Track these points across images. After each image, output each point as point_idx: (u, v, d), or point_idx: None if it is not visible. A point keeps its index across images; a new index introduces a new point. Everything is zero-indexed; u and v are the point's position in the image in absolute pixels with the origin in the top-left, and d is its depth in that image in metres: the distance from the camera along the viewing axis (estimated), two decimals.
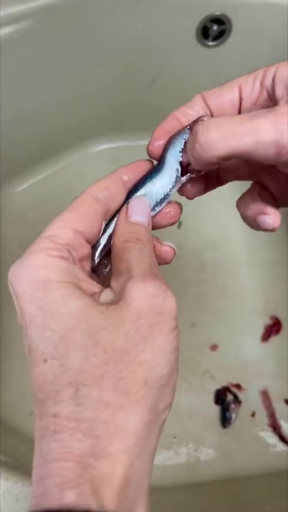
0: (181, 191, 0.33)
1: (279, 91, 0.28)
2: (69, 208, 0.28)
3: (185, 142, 0.30)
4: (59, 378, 0.23)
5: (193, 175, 0.31)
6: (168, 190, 0.31)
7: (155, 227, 0.32)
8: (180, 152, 0.30)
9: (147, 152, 0.32)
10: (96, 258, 0.30)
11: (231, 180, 0.34)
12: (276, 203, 0.32)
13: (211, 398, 0.73)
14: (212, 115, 0.31)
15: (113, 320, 0.24)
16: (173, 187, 0.31)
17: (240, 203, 0.32)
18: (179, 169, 0.31)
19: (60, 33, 0.65)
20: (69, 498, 0.21)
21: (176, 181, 0.31)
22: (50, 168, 0.87)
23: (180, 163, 0.31)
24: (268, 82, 0.29)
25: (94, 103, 0.80)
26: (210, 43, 0.68)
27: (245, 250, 0.83)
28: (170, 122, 0.31)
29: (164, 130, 0.31)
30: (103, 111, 0.82)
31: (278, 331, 0.78)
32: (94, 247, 0.30)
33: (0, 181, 0.82)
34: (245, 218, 0.32)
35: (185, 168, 0.31)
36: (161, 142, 0.31)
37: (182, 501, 0.64)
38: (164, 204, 0.31)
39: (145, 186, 0.31)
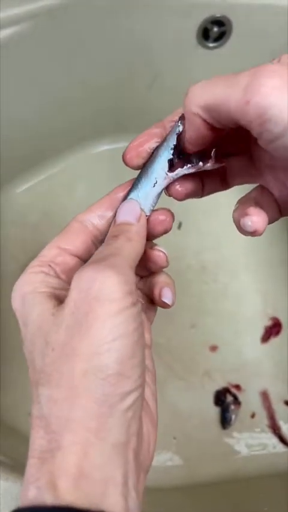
0: (168, 191, 0.32)
1: None
2: (59, 234, 0.31)
3: (172, 149, 0.30)
4: (32, 381, 0.25)
5: (183, 171, 0.30)
6: (156, 189, 0.31)
7: (150, 236, 0.32)
8: (172, 149, 0.30)
9: (124, 161, 0.32)
10: None
11: (237, 183, 0.33)
12: (279, 211, 0.31)
13: (211, 399, 0.73)
14: None
15: (58, 317, 0.25)
16: (159, 184, 0.31)
17: (236, 206, 0.32)
18: (167, 167, 0.30)
19: (61, 35, 0.65)
20: (31, 493, 0.22)
21: (164, 178, 0.31)
22: (51, 169, 0.87)
23: (170, 160, 0.30)
24: None
25: (94, 104, 0.80)
26: (211, 45, 0.68)
27: (245, 251, 0.83)
28: (154, 129, 0.31)
29: (139, 143, 0.31)
30: (103, 112, 0.82)
31: (277, 332, 0.78)
32: None
33: (0, 181, 0.82)
34: (234, 222, 0.31)
35: (177, 155, 0.30)
36: (134, 156, 0.31)
37: (182, 502, 0.64)
38: (155, 201, 0.31)
39: (133, 192, 0.31)
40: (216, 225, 0.84)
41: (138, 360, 0.24)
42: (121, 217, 0.30)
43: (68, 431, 0.23)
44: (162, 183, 0.31)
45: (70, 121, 0.81)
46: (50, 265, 0.29)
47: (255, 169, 0.32)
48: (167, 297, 0.32)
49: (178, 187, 0.31)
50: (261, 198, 0.31)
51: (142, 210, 0.30)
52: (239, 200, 0.32)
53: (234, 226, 0.31)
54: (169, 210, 0.32)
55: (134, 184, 0.31)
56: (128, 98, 0.80)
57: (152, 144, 0.31)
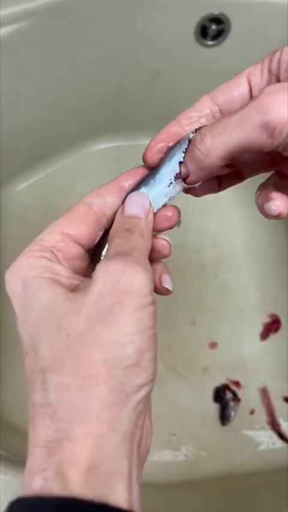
0: (189, 190, 0.32)
1: (284, 74, 0.29)
2: (62, 215, 0.30)
3: (183, 153, 0.30)
4: (34, 368, 0.24)
5: (187, 186, 0.31)
6: (162, 198, 0.31)
7: (153, 231, 0.32)
8: (180, 163, 0.30)
9: (143, 161, 0.32)
10: (94, 256, 0.31)
11: (252, 175, 0.34)
12: None
13: (210, 395, 0.74)
14: (221, 113, 0.31)
15: (76, 304, 0.25)
16: (166, 195, 0.31)
17: (256, 192, 0.32)
18: (174, 179, 0.31)
19: (60, 33, 0.65)
20: (37, 483, 0.22)
21: (171, 190, 0.31)
22: (50, 167, 0.87)
23: (177, 174, 0.30)
24: (275, 66, 0.29)
25: (94, 102, 0.80)
26: (209, 42, 0.69)
27: (245, 248, 0.83)
28: (171, 127, 0.31)
29: (160, 139, 0.31)
30: (103, 110, 0.82)
31: (277, 329, 0.78)
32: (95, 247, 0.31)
33: (0, 180, 0.82)
34: (258, 207, 0.32)
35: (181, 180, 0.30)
36: (155, 152, 0.31)
37: (181, 498, 0.64)
38: (164, 201, 0.31)
39: (143, 187, 0.31)
40: (216, 222, 0.84)
41: (153, 354, 0.25)
42: (131, 210, 0.30)
43: (80, 420, 0.23)
44: (174, 189, 0.31)
45: (69, 119, 0.81)
46: (52, 251, 0.28)
47: (270, 160, 0.32)
48: (167, 283, 0.32)
49: (197, 186, 0.32)
50: (281, 183, 0.31)
51: (151, 205, 0.31)
52: (260, 186, 0.32)
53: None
54: (176, 207, 0.32)
55: (145, 180, 0.31)
56: (127, 96, 0.80)
57: (171, 142, 0.31)
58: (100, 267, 0.25)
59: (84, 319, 0.24)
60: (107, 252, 0.27)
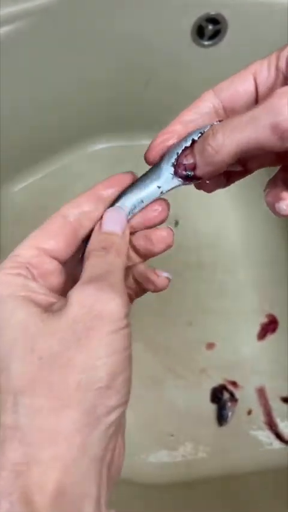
0: (199, 186, 0.32)
1: None
2: (38, 228, 0.29)
3: (182, 151, 0.30)
4: (6, 388, 0.24)
5: (186, 183, 0.31)
6: (154, 195, 0.31)
7: (144, 226, 0.31)
8: (175, 161, 0.30)
9: (145, 160, 0.32)
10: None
11: (258, 168, 0.33)
12: None
13: (208, 396, 0.73)
14: (224, 109, 0.31)
15: (50, 326, 0.24)
16: (161, 193, 0.31)
17: (265, 190, 0.32)
18: (171, 177, 0.31)
19: (57, 33, 0.65)
20: (2, 508, 0.21)
21: (168, 184, 0.31)
22: (48, 167, 0.87)
23: (174, 172, 0.30)
24: (283, 64, 0.29)
25: (91, 102, 0.80)
26: (206, 43, 0.69)
27: (242, 248, 0.83)
28: (174, 126, 0.31)
29: (163, 139, 0.31)
30: (100, 111, 0.82)
31: (274, 329, 0.78)
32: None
33: None
34: (268, 205, 0.31)
35: (184, 177, 0.30)
36: (158, 152, 0.31)
37: (179, 498, 0.64)
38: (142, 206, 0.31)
39: (126, 196, 0.31)
40: (213, 223, 0.84)
41: (127, 376, 0.25)
42: (108, 226, 0.29)
43: (49, 443, 0.22)
44: (170, 183, 0.31)
45: (67, 120, 0.81)
46: (27, 268, 0.28)
47: (278, 155, 0.32)
48: (164, 273, 0.32)
49: (207, 182, 0.31)
50: (287, 179, 0.31)
51: (128, 220, 0.30)
52: (269, 183, 0.32)
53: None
54: (165, 200, 0.32)
55: (128, 190, 0.31)
56: (124, 96, 0.80)
57: (173, 141, 0.31)
58: (75, 291, 0.25)
59: (58, 341, 0.24)
60: (82, 274, 0.27)
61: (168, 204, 0.32)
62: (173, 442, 0.70)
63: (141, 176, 0.31)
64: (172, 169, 0.30)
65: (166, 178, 0.31)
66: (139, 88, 0.78)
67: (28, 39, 0.63)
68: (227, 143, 0.27)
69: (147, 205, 0.31)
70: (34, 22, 0.62)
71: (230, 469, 0.69)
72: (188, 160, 0.30)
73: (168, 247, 0.32)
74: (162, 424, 0.71)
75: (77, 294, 0.25)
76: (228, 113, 0.30)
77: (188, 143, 0.30)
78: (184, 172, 0.30)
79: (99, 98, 0.79)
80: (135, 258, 0.33)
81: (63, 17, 0.63)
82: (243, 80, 0.30)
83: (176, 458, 0.69)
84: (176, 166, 0.30)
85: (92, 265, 0.27)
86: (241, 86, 0.30)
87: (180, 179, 0.30)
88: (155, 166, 0.31)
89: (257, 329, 0.78)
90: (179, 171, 0.30)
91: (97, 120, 0.84)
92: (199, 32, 0.67)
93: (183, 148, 0.30)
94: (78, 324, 0.24)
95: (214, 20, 0.65)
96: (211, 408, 0.73)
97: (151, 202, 0.31)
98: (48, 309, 0.26)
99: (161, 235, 0.32)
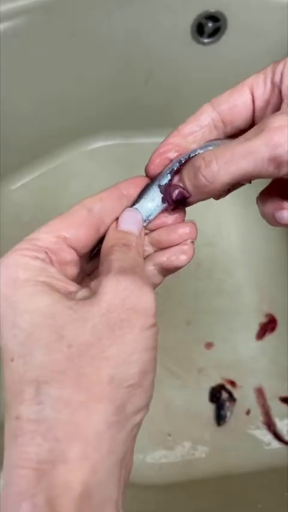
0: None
1: (286, 89, 0.29)
2: (59, 216, 0.28)
3: (174, 174, 0.30)
4: (23, 377, 0.22)
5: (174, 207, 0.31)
6: (155, 212, 0.31)
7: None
8: (167, 183, 0.31)
9: (146, 174, 0.32)
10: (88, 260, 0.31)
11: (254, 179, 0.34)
12: None
13: (206, 395, 0.73)
14: (222, 122, 0.31)
15: (81, 314, 0.23)
16: (156, 211, 0.31)
17: (259, 200, 0.32)
18: (161, 200, 0.31)
19: (55, 31, 0.65)
20: (24, 510, 0.19)
21: (162, 207, 0.31)
22: (46, 166, 0.87)
23: (163, 194, 0.31)
24: (278, 78, 0.29)
25: (90, 100, 0.79)
26: (206, 40, 0.68)
27: (241, 248, 0.83)
28: (172, 138, 0.31)
29: (162, 152, 0.31)
30: (99, 109, 0.82)
31: (273, 329, 0.78)
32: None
33: None
34: (263, 215, 0.32)
35: (176, 200, 0.31)
36: (157, 165, 0.31)
37: (177, 498, 0.64)
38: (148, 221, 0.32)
39: (140, 202, 0.31)
40: (211, 223, 0.83)
41: (153, 377, 0.24)
42: (127, 225, 0.29)
43: (78, 440, 0.21)
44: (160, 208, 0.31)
45: (65, 118, 0.81)
46: (46, 253, 0.26)
47: None
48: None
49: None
50: (282, 189, 0.31)
51: (144, 224, 0.31)
52: (262, 194, 0.32)
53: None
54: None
55: (142, 195, 0.31)
56: (123, 94, 0.79)
57: (172, 154, 0.31)
58: (109, 281, 0.24)
59: (90, 330, 0.23)
60: (110, 265, 0.26)
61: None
62: (171, 442, 0.70)
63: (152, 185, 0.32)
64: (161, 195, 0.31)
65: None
66: (138, 86, 0.78)
67: (26, 37, 0.63)
68: (222, 174, 0.27)
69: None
70: (32, 20, 0.62)
71: (228, 469, 0.69)
72: (176, 189, 0.30)
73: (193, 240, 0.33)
74: (160, 424, 0.70)
75: (111, 284, 0.24)
76: (227, 126, 0.31)
77: (175, 167, 0.30)
78: (175, 197, 0.31)
79: (98, 96, 0.79)
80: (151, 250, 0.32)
81: (61, 15, 0.63)
82: (241, 94, 0.30)
83: (174, 459, 0.69)
84: (165, 192, 0.31)
85: (118, 259, 0.27)
86: (239, 100, 0.30)
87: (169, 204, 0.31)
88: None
89: (255, 328, 0.78)
90: (170, 198, 0.31)
91: (96, 118, 0.84)
92: (199, 29, 0.67)
93: (170, 172, 0.30)
94: (113, 314, 0.23)
95: (214, 18, 0.65)
96: (209, 408, 0.73)
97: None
98: (69, 298, 0.25)
99: (184, 232, 0.32)
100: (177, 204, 0.31)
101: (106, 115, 0.83)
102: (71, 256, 0.28)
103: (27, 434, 0.21)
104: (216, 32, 0.67)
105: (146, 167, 0.32)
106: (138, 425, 0.24)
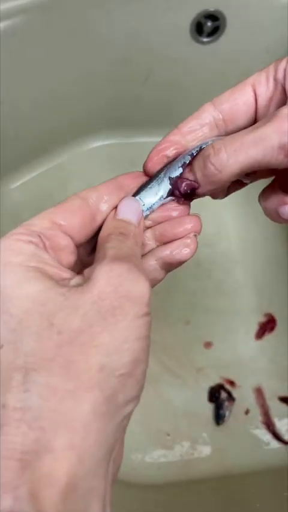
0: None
1: None
2: (55, 205, 0.28)
3: (184, 167, 0.30)
4: (12, 364, 0.21)
5: (181, 200, 0.31)
6: (157, 204, 0.31)
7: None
8: (178, 176, 0.30)
9: (144, 170, 0.32)
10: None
11: (257, 179, 0.34)
12: None
13: (205, 395, 0.73)
14: (224, 121, 0.31)
15: (72, 301, 0.23)
16: (158, 204, 0.31)
17: (262, 196, 0.32)
18: (168, 192, 0.31)
19: (54, 30, 0.65)
20: (5, 503, 0.18)
21: (164, 200, 0.31)
22: (45, 165, 0.86)
23: (172, 187, 0.31)
24: (280, 75, 0.29)
25: (88, 99, 0.79)
26: (205, 39, 0.68)
27: (240, 247, 0.83)
28: (172, 136, 0.31)
29: (161, 149, 0.31)
30: (98, 108, 0.82)
31: (272, 328, 0.78)
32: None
33: None
34: (266, 211, 0.32)
35: (184, 192, 0.31)
36: (156, 162, 0.31)
37: (176, 498, 0.64)
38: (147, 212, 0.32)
39: (142, 192, 0.31)
40: (210, 222, 0.83)
41: (145, 368, 0.24)
42: (126, 214, 0.29)
43: (65, 429, 0.20)
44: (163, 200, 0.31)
45: (64, 117, 0.81)
46: (39, 236, 0.26)
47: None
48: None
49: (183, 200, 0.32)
50: (285, 185, 0.31)
51: (143, 214, 0.30)
52: (265, 190, 0.32)
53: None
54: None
55: (145, 186, 0.31)
56: (122, 94, 0.79)
57: (171, 152, 0.31)
58: (102, 268, 0.24)
59: (80, 317, 0.22)
60: (103, 253, 0.26)
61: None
62: (169, 442, 0.70)
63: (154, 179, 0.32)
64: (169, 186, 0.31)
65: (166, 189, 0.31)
66: (137, 85, 0.78)
67: (25, 36, 0.63)
68: (231, 162, 0.27)
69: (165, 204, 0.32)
70: (30, 19, 0.62)
71: (227, 468, 0.69)
72: (186, 181, 0.30)
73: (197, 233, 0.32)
74: (158, 423, 0.70)
75: (104, 271, 0.24)
76: (228, 125, 0.31)
77: (187, 161, 0.30)
78: (183, 190, 0.30)
79: (97, 95, 0.79)
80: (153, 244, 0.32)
81: (60, 14, 0.63)
82: (243, 92, 0.30)
83: (173, 458, 0.69)
84: (174, 185, 0.31)
85: (114, 247, 0.26)
86: (241, 98, 0.30)
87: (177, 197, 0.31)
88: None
89: (255, 328, 0.78)
90: (179, 189, 0.31)
91: (95, 117, 0.84)
92: (198, 28, 0.67)
93: (182, 165, 0.30)
94: (105, 301, 0.23)
95: (213, 17, 0.65)
96: (208, 408, 0.73)
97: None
98: (62, 284, 0.24)
99: (189, 225, 0.31)
100: (185, 197, 0.31)
101: (105, 114, 0.83)
102: (65, 242, 0.27)
103: (12, 423, 0.20)
104: (215, 31, 0.67)
105: (144, 164, 0.32)
106: (128, 417, 0.23)
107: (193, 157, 0.30)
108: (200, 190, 0.30)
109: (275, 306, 0.79)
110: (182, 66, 0.73)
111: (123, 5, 0.64)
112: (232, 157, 0.27)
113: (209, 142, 0.30)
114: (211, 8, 0.63)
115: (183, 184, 0.30)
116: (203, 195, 0.31)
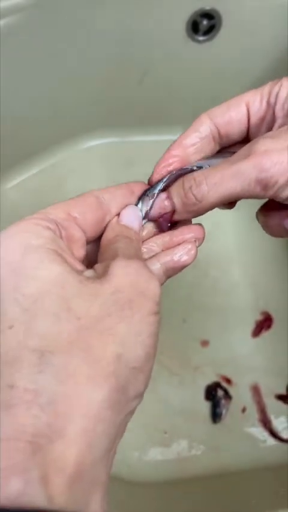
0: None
1: (278, 111, 0.30)
2: (70, 199, 0.29)
3: (161, 189, 0.32)
4: (23, 344, 0.21)
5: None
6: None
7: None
8: (154, 193, 0.32)
9: (148, 183, 0.33)
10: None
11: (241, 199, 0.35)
12: None
13: (202, 393, 0.73)
14: (219, 134, 0.32)
15: (91, 289, 0.23)
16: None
17: (261, 214, 0.34)
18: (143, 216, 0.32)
19: (49, 29, 0.65)
20: (13, 486, 0.17)
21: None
22: (41, 164, 0.86)
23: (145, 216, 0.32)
24: (273, 100, 0.31)
25: (84, 98, 0.79)
26: (201, 38, 0.68)
27: (236, 246, 0.83)
28: (173, 151, 0.32)
29: (164, 165, 0.32)
30: (94, 107, 0.82)
31: (269, 326, 0.78)
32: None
33: None
34: (267, 227, 0.34)
35: (162, 217, 0.32)
36: (160, 176, 0.32)
37: (173, 495, 0.64)
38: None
39: (141, 202, 0.32)
40: (207, 220, 0.83)
41: (152, 365, 0.25)
42: (128, 220, 0.30)
43: (79, 415, 0.20)
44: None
45: (60, 116, 0.81)
46: (57, 225, 0.26)
47: None
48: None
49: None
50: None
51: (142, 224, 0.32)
52: (264, 207, 0.34)
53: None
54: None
55: (145, 195, 0.32)
56: (118, 93, 0.79)
57: (175, 166, 0.32)
58: (119, 264, 0.25)
59: (99, 306, 0.23)
60: (117, 251, 0.27)
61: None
62: (166, 440, 0.70)
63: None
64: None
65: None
66: (133, 84, 0.77)
67: (20, 34, 0.63)
68: (211, 194, 0.29)
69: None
70: (25, 17, 0.61)
71: (224, 466, 0.69)
72: (164, 208, 0.32)
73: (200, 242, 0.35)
74: (155, 422, 0.71)
75: (121, 266, 0.25)
76: (222, 138, 0.33)
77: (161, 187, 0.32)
78: (159, 219, 0.32)
79: (93, 94, 0.79)
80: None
81: (55, 13, 0.63)
82: (238, 111, 0.32)
83: (170, 456, 0.69)
84: (149, 212, 0.32)
85: (124, 247, 0.27)
86: (235, 115, 0.32)
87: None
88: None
89: (251, 326, 0.78)
90: (162, 227, 0.33)
91: (91, 116, 0.84)
92: (194, 27, 0.67)
93: (156, 192, 0.32)
94: (123, 294, 0.23)
95: (209, 15, 0.65)
96: (205, 406, 0.73)
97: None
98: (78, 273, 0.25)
99: (190, 234, 0.34)
100: (161, 222, 0.32)
101: (102, 112, 0.83)
102: (79, 234, 0.28)
103: (22, 405, 0.19)
104: (211, 30, 0.67)
105: (149, 178, 0.33)
106: (132, 413, 0.24)
107: (171, 181, 0.32)
108: (176, 217, 0.32)
109: (271, 304, 0.79)
110: (178, 64, 0.73)
111: (118, 4, 0.64)
112: (212, 189, 0.29)
113: (188, 168, 0.31)
114: (207, 6, 0.63)
115: (161, 219, 0.32)
116: (181, 220, 0.33)
